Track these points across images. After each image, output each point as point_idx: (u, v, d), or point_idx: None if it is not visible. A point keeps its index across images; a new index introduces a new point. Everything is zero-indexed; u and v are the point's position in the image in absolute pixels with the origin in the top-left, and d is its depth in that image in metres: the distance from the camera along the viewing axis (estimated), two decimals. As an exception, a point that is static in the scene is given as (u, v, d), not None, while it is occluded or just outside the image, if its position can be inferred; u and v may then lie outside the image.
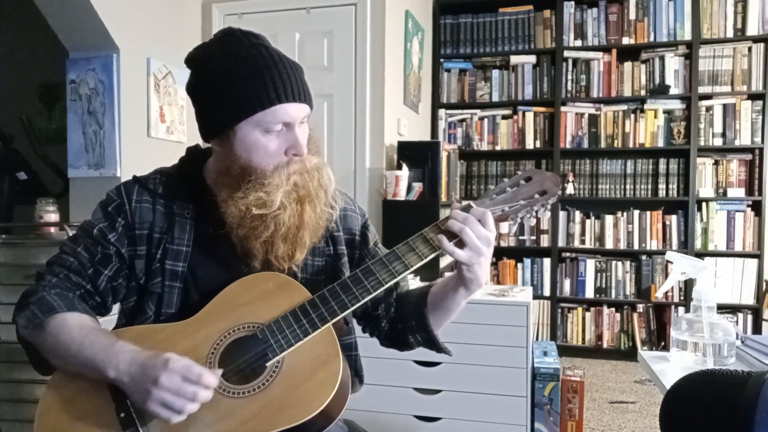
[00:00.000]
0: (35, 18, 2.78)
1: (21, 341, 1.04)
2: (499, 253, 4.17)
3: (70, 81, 2.68)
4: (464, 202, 1.06)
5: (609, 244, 4.03)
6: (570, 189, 4.06)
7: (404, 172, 3.01)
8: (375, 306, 1.17)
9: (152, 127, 2.82)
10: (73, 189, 2.74)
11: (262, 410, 0.95)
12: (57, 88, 3.65)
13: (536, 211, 1.07)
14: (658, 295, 3.86)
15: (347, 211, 1.18)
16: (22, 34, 3.81)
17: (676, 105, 3.94)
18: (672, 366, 1.45)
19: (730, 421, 0.82)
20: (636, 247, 3.98)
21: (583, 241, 4.08)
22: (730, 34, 3.85)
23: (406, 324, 1.14)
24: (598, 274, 4.05)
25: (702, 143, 3.89)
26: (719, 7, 3.86)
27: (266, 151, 1.00)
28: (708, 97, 3.89)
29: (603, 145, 4.04)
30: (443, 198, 3.09)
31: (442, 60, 4.27)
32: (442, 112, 4.26)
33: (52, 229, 2.34)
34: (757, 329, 3.78)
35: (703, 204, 3.88)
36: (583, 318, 4.05)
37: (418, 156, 3.07)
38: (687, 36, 3.88)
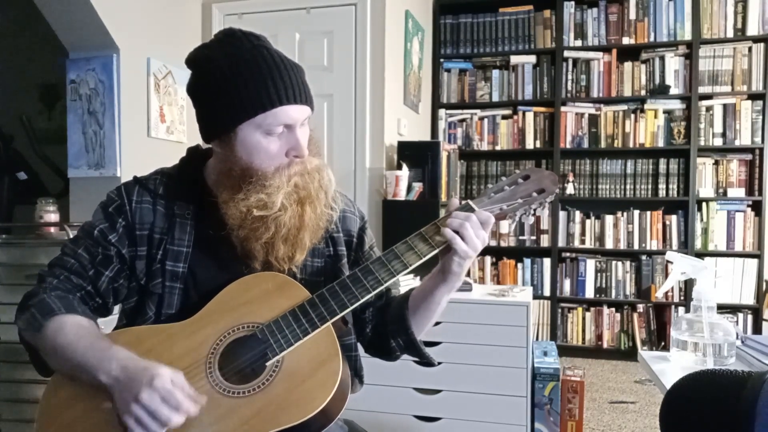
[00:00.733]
0: (35, 18, 2.78)
1: (23, 343, 1.04)
2: (499, 253, 4.18)
3: (70, 81, 2.68)
4: (462, 201, 1.06)
5: (609, 244, 4.03)
6: (570, 189, 4.06)
7: (404, 172, 3.01)
8: (363, 309, 1.17)
9: (152, 127, 2.83)
10: (73, 189, 2.74)
11: (263, 410, 0.95)
12: (57, 88, 3.65)
13: (534, 210, 1.07)
14: (658, 295, 3.86)
15: (346, 213, 1.19)
16: (22, 34, 3.81)
17: (676, 105, 3.94)
18: (672, 366, 1.45)
19: (730, 420, 0.82)
20: (636, 247, 3.98)
21: (583, 241, 4.08)
22: (730, 34, 3.85)
23: (388, 328, 1.14)
24: (598, 274, 4.05)
25: (702, 143, 3.89)
26: (719, 7, 3.86)
27: (267, 152, 1.00)
28: (708, 97, 3.89)
29: (603, 145, 4.05)
30: (443, 198, 3.09)
31: (442, 60, 4.27)
32: (442, 112, 4.27)
33: (52, 229, 2.34)
34: (757, 329, 3.78)
35: (703, 204, 3.88)
36: (583, 318, 4.05)
37: (418, 156, 3.07)
38: (687, 36, 3.88)
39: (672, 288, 3.89)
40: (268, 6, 3.24)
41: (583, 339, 4.06)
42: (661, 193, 3.95)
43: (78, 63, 2.66)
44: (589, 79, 4.07)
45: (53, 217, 2.34)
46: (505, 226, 4.11)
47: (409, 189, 3.03)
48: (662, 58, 3.94)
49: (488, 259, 4.16)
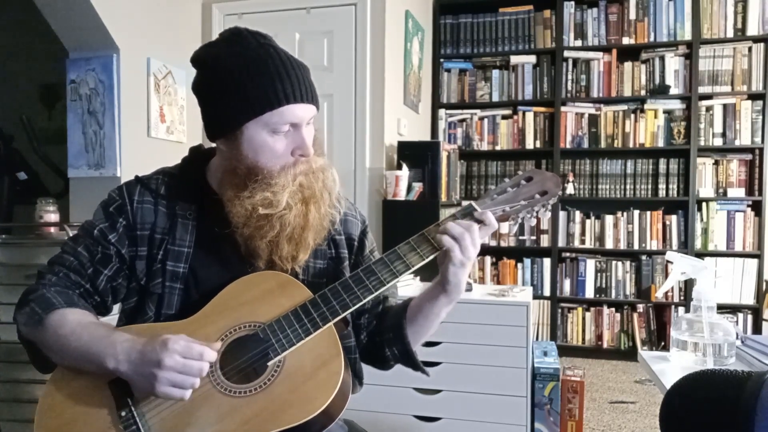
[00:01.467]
0: (35, 18, 2.78)
1: (22, 339, 1.04)
2: (499, 253, 4.18)
3: (70, 81, 2.68)
4: (465, 203, 1.06)
5: (609, 244, 4.03)
6: (570, 189, 4.06)
7: (404, 172, 3.01)
8: (359, 315, 1.16)
9: (152, 127, 2.82)
10: (73, 189, 2.74)
11: (264, 410, 0.95)
12: (57, 88, 3.65)
13: (537, 212, 1.07)
14: (658, 295, 3.86)
15: (348, 216, 1.18)
16: (22, 34, 3.81)
17: (676, 105, 3.94)
18: (672, 366, 1.45)
19: (730, 421, 0.82)
20: (636, 247, 3.98)
21: (583, 241, 4.08)
22: (730, 34, 3.85)
23: (383, 336, 1.13)
24: (598, 274, 4.05)
25: (702, 143, 3.89)
26: (719, 7, 3.86)
27: (273, 151, 1.00)
28: (708, 97, 3.89)
29: (603, 145, 4.05)
30: (443, 198, 3.09)
31: (442, 60, 4.27)
32: (442, 112, 4.26)
33: (52, 229, 2.34)
34: (757, 329, 3.78)
35: (703, 204, 3.88)
36: (583, 318, 4.05)
37: (418, 156, 3.07)
38: (687, 36, 3.88)
39: (672, 288, 3.89)
40: (268, 6, 3.24)
41: (583, 339, 4.05)
42: (661, 193, 3.95)
43: (78, 63, 2.66)
44: (589, 79, 4.07)
45: (53, 217, 2.34)
46: (506, 226, 4.11)
47: (409, 189, 3.03)
48: (662, 58, 3.94)
49: (488, 259, 4.16)
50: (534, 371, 2.33)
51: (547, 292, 4.08)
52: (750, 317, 3.83)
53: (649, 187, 3.98)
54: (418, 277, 2.72)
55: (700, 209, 3.89)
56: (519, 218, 1.07)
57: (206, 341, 0.99)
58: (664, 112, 3.96)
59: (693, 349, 1.42)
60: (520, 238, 4.14)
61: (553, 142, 4.08)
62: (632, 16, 3.99)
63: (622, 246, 4.01)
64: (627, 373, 3.68)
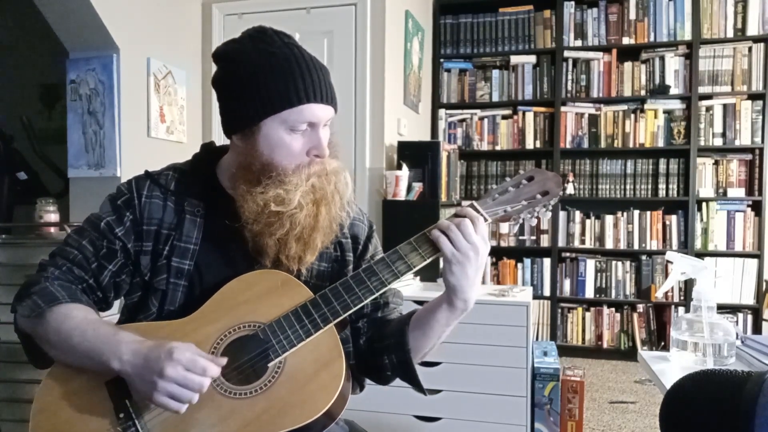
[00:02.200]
0: (35, 18, 2.78)
1: (19, 332, 1.03)
2: (499, 253, 4.18)
3: (70, 81, 2.68)
4: (465, 203, 1.05)
5: (609, 244, 4.03)
6: (570, 189, 4.06)
7: (404, 172, 3.01)
8: (358, 318, 1.14)
9: (152, 127, 2.82)
10: (73, 189, 2.74)
11: (265, 412, 0.95)
12: (57, 88, 3.65)
13: (538, 212, 1.06)
14: (658, 295, 3.86)
15: (356, 220, 1.17)
16: (22, 34, 3.81)
17: (676, 105, 3.94)
18: (672, 366, 1.45)
19: (730, 421, 0.82)
20: (636, 247, 3.98)
21: (583, 241, 4.08)
22: (730, 34, 3.85)
23: (383, 343, 1.10)
24: (598, 274, 4.05)
25: (702, 143, 3.89)
26: (719, 7, 3.86)
27: (289, 149, 1.00)
28: (708, 97, 3.89)
29: (603, 145, 4.04)
30: (443, 198, 3.09)
31: (442, 60, 4.27)
32: (442, 112, 4.26)
33: (52, 229, 2.34)
34: (757, 329, 3.78)
35: (703, 204, 3.88)
36: (583, 318, 4.05)
37: (418, 156, 3.07)
38: (687, 36, 3.88)
39: (672, 288, 3.89)
40: (268, 6, 3.24)
41: (583, 339, 4.05)
42: (661, 193, 3.95)
43: (78, 63, 2.66)
44: (589, 79, 4.07)
45: (53, 217, 2.34)
46: (506, 227, 4.11)
47: (409, 189, 3.03)
48: (662, 58, 3.94)
49: (488, 259, 4.15)
50: (534, 371, 2.33)
51: (547, 292, 4.08)
52: (750, 317, 3.83)
53: (649, 187, 3.98)
54: (418, 277, 2.72)
55: (700, 209, 3.89)
56: (520, 219, 1.06)
57: (206, 341, 0.99)
58: (664, 112, 3.96)
59: (693, 349, 1.42)
60: (520, 238, 4.14)
61: (553, 142, 4.08)
62: (632, 16, 3.99)
63: (622, 246, 4.01)
64: (627, 373, 3.68)
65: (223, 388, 0.96)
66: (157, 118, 2.86)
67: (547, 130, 4.13)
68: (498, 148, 4.21)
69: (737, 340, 1.49)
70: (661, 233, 3.96)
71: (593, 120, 4.06)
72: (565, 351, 3.98)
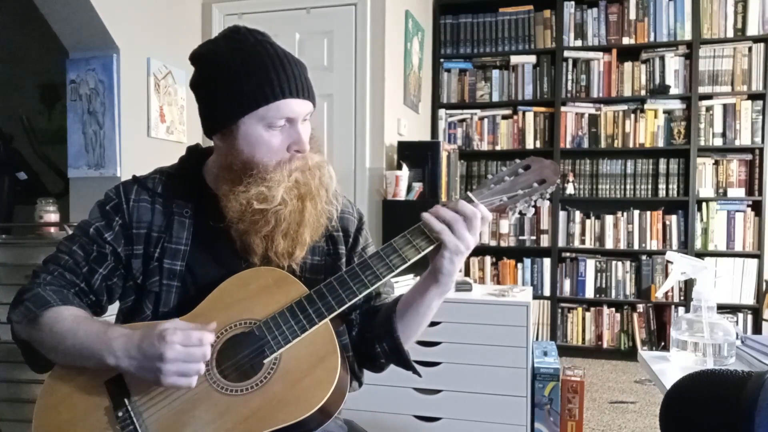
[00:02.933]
0: (35, 18, 2.78)
1: (16, 339, 1.04)
2: (499, 253, 4.18)
3: (70, 81, 2.68)
4: (462, 193, 1.04)
5: (609, 244, 4.03)
6: (570, 189, 4.06)
7: (404, 172, 3.01)
8: (350, 311, 1.14)
9: (152, 127, 2.82)
10: (73, 189, 2.74)
11: (261, 407, 0.95)
12: (57, 88, 3.65)
13: (535, 201, 1.05)
14: (658, 295, 3.86)
15: (345, 212, 1.17)
16: (22, 34, 3.81)
17: (676, 105, 3.94)
18: (672, 366, 1.45)
19: (730, 421, 0.82)
20: (636, 247, 3.98)
21: (583, 241, 4.08)
22: (730, 34, 3.85)
23: (374, 332, 1.10)
24: (598, 274, 4.05)
25: (702, 143, 3.89)
26: (719, 7, 3.86)
27: (269, 146, 1.00)
28: (708, 97, 3.89)
29: (603, 145, 4.05)
30: (443, 198, 3.09)
31: (442, 60, 4.27)
32: (442, 112, 4.26)
33: (52, 229, 2.34)
34: (757, 329, 3.78)
35: (703, 204, 3.88)
36: (583, 318, 4.05)
37: (418, 156, 3.07)
38: (687, 36, 3.88)
39: (672, 288, 3.89)
40: (268, 6, 3.25)
41: (583, 339, 4.05)
42: (661, 193, 3.95)
43: (78, 63, 2.66)
44: (589, 79, 4.07)
45: (53, 217, 2.34)
46: (506, 226, 4.11)
47: (409, 189, 3.03)
48: (662, 58, 3.94)
49: (488, 259, 4.16)
50: (534, 371, 2.33)
51: (547, 292, 4.08)
52: (750, 317, 3.83)
53: (649, 187, 3.98)
54: (418, 278, 2.72)
55: (700, 209, 3.89)
56: (517, 208, 1.05)
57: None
58: (664, 112, 3.96)
59: (693, 349, 1.42)
60: (520, 238, 4.14)
61: (553, 142, 4.08)
62: (632, 16, 3.99)
63: (622, 246, 4.01)
64: (627, 373, 3.68)
65: (219, 385, 0.97)
66: (157, 118, 2.86)
67: (547, 130, 4.13)
68: (498, 148, 4.21)
69: (737, 340, 1.49)
70: (661, 233, 3.96)
71: (593, 120, 4.06)
72: (565, 351, 3.98)
